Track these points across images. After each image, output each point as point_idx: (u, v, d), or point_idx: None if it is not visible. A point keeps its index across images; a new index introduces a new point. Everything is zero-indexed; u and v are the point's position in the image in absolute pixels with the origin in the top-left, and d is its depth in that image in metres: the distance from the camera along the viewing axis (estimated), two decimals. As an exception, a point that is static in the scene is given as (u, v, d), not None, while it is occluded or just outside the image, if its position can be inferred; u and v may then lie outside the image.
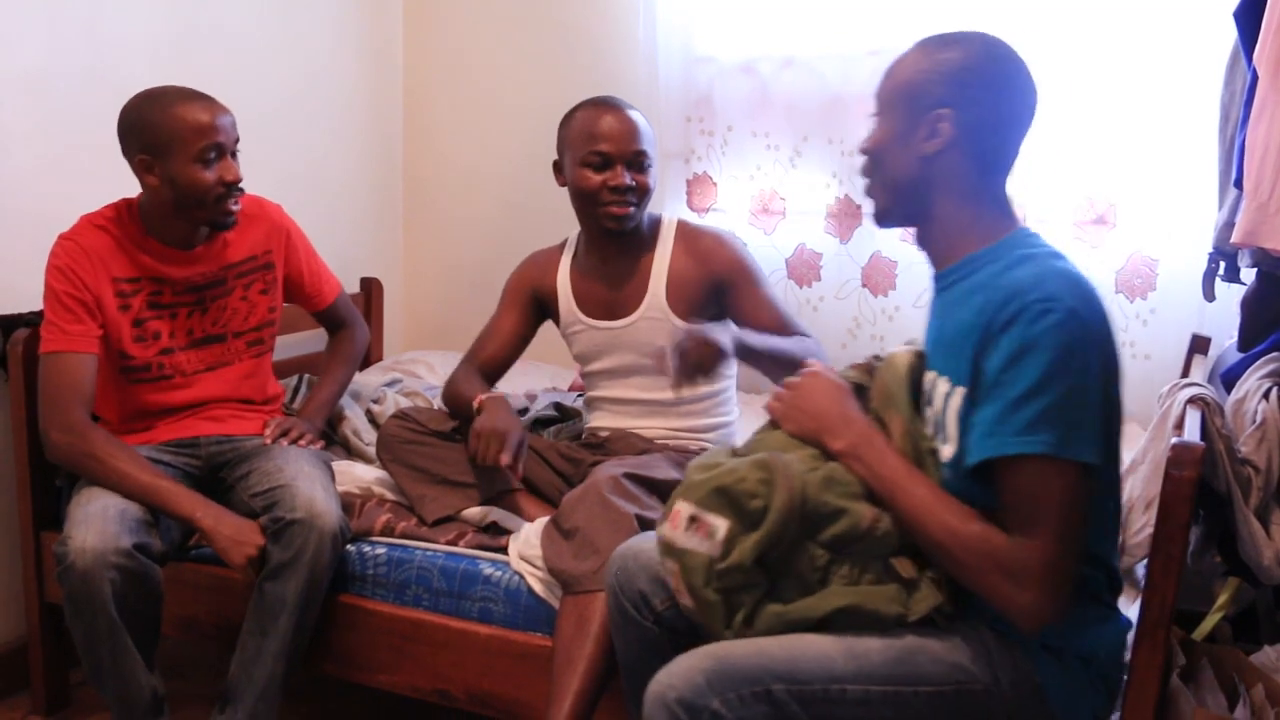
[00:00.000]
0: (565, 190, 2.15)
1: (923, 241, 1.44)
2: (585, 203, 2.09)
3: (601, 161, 2.04)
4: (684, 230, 2.17)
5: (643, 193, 2.08)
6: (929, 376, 1.39)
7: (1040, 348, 1.20)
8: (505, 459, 1.94)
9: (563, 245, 2.28)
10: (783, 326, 2.11)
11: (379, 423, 2.51)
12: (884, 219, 1.46)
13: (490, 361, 2.25)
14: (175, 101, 1.95)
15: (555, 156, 2.17)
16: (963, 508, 1.28)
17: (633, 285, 2.15)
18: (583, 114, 2.09)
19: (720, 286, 2.12)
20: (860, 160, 1.45)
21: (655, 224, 2.18)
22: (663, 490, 1.91)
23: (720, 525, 1.33)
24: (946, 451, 1.32)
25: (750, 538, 1.31)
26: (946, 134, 1.33)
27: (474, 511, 2.05)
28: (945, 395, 1.33)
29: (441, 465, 2.09)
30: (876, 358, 1.51)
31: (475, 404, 2.07)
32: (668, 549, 1.39)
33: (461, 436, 2.12)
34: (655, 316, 2.12)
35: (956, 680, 1.28)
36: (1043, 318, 1.20)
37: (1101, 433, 1.23)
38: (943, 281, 1.41)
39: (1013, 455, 1.21)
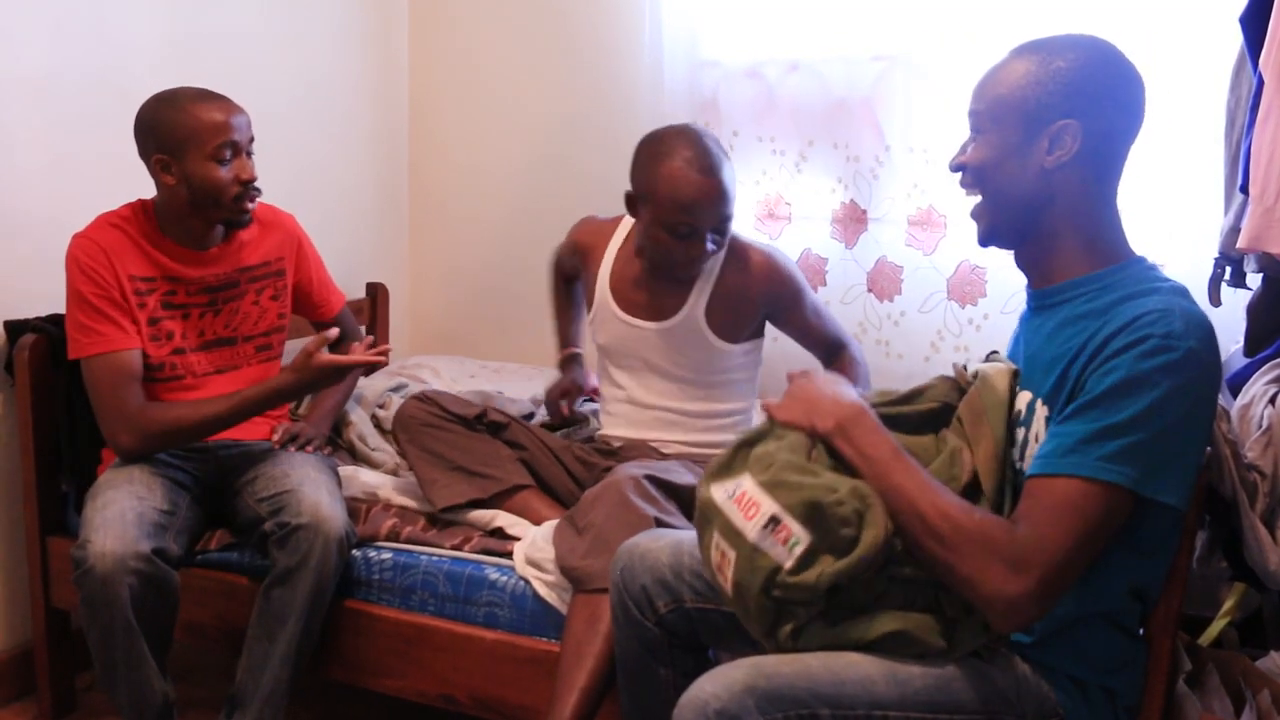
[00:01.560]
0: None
1: (1026, 260, 1.38)
2: (659, 255, 2.04)
3: (689, 231, 1.97)
4: (733, 244, 2.11)
5: (718, 251, 2.04)
6: (1023, 397, 1.35)
7: (1151, 384, 1.17)
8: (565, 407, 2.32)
9: (618, 221, 2.24)
10: (830, 341, 2.17)
11: (385, 428, 2.51)
12: (992, 238, 1.38)
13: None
14: (191, 101, 1.97)
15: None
16: (962, 499, 1.27)
17: (675, 293, 2.12)
18: (676, 171, 1.94)
19: (774, 307, 2.13)
20: (959, 175, 1.38)
21: None
22: (683, 496, 1.91)
23: (803, 539, 1.27)
24: None
25: (832, 564, 1.26)
26: (1071, 146, 1.28)
27: (481, 514, 2.05)
28: (1047, 419, 1.29)
29: (458, 452, 2.08)
30: (964, 370, 1.46)
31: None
32: (733, 536, 1.32)
33: (483, 426, 2.13)
34: (689, 328, 2.11)
35: (990, 710, 1.28)
36: (1160, 354, 1.18)
37: (1192, 476, 1.22)
38: (1043, 300, 1.36)
39: (1086, 477, 1.19)
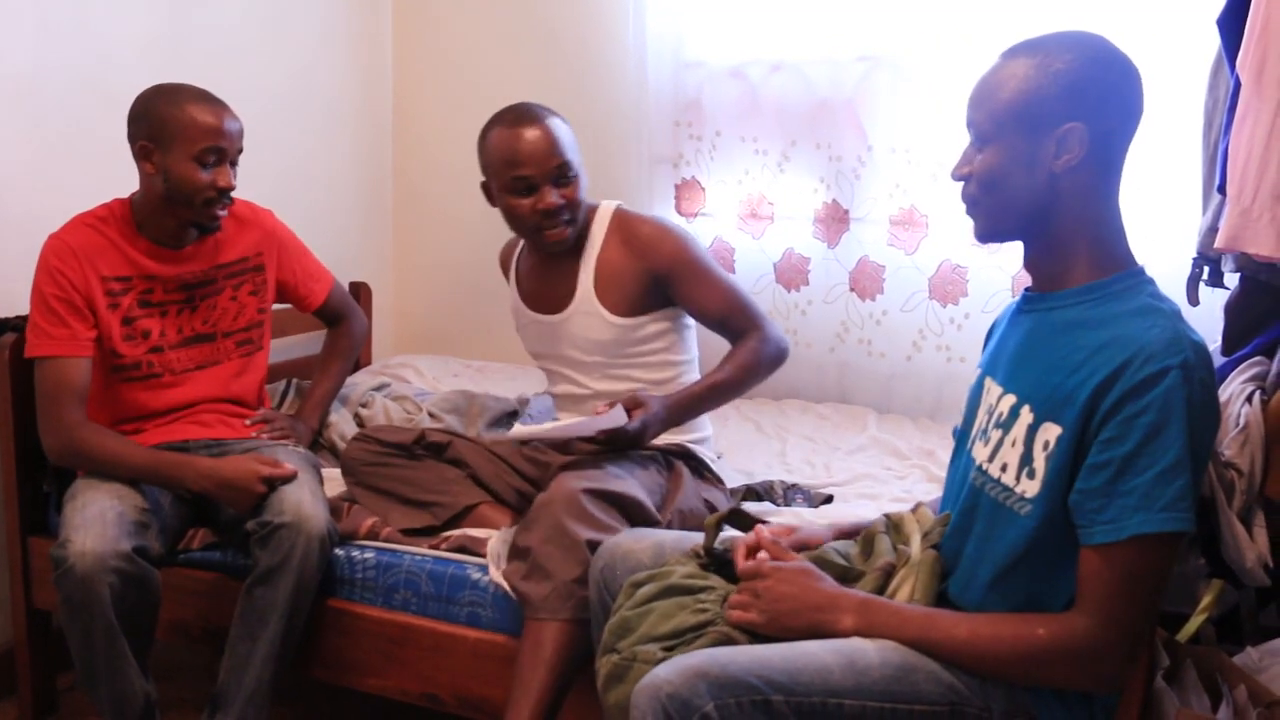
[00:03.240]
0: None
1: (1034, 262, 1.37)
2: (521, 227, 2.05)
3: (526, 187, 1.98)
4: (620, 219, 2.09)
5: (573, 207, 2.01)
6: (1007, 400, 1.35)
7: (1178, 419, 1.18)
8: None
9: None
10: (731, 313, 2.06)
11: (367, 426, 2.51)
12: (993, 237, 1.38)
13: None
14: (189, 99, 1.98)
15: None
16: (1008, 617, 1.29)
17: (565, 279, 2.10)
18: (497, 135, 2.00)
19: (661, 280, 2.05)
20: (962, 185, 1.37)
21: (590, 213, 2.10)
22: (626, 506, 1.85)
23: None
24: (1029, 488, 1.29)
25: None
26: (1079, 150, 1.27)
27: (450, 533, 2.04)
28: (1030, 427, 1.29)
29: (404, 485, 2.07)
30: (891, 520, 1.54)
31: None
32: None
33: (425, 452, 2.11)
34: (587, 310, 2.08)
35: (951, 701, 1.28)
36: (1182, 387, 1.18)
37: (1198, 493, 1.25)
38: (1041, 304, 1.36)
39: (1153, 533, 1.19)
